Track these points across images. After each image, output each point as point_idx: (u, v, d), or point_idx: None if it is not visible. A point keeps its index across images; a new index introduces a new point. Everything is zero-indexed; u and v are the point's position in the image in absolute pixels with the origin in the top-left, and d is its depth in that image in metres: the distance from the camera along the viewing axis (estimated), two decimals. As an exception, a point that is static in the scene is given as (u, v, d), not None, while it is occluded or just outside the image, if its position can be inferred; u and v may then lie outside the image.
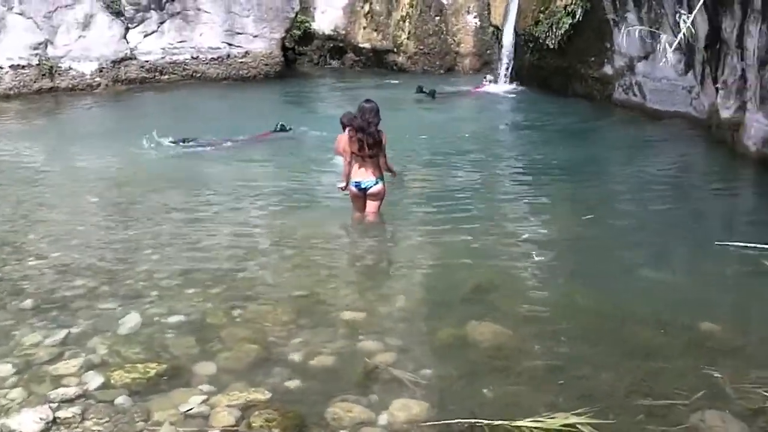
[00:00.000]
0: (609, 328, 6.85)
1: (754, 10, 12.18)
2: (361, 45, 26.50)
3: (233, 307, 7.11)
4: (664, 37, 8.62)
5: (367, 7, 26.19)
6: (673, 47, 8.33)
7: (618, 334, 6.71)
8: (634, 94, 18.02)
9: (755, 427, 5.17)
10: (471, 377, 5.91)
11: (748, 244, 8.55)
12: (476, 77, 23.76)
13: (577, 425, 5.06)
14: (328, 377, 5.92)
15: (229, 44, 22.92)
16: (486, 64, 25.33)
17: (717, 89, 14.04)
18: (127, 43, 22.22)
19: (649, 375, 5.90)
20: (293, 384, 5.76)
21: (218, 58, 22.94)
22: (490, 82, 22.13)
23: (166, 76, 22.61)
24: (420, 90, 20.63)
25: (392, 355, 6.22)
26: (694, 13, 9.28)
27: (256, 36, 22.94)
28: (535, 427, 5.04)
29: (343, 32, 26.53)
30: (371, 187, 9.73)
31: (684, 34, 8.48)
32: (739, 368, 5.98)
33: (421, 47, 25.73)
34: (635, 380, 5.83)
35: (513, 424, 5.02)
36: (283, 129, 15.63)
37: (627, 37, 16.11)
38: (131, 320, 6.79)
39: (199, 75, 22.86)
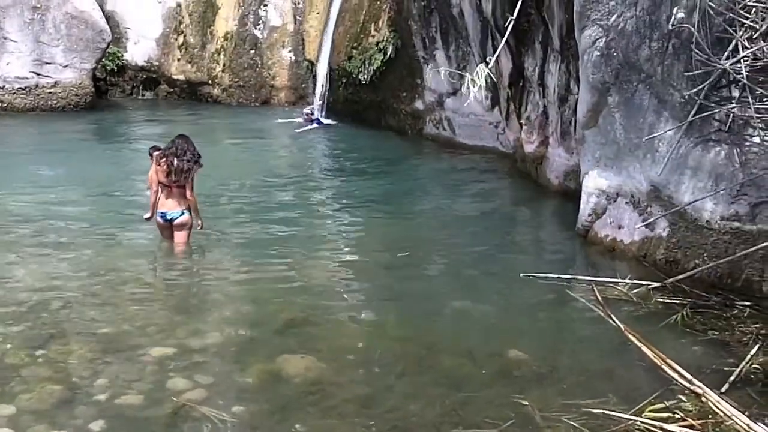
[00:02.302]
0: (420, 358, 6.93)
1: (553, 50, 12.80)
2: (175, 77, 26.02)
3: (35, 347, 6.76)
4: (467, 77, 8.83)
5: (181, 39, 25.79)
6: (476, 88, 8.54)
7: (429, 364, 6.81)
8: (444, 129, 18.55)
9: (561, 454, 5.33)
10: (283, 413, 5.84)
11: (551, 275, 8.88)
12: (291, 110, 23.84)
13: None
14: (135, 417, 5.72)
15: (38, 74, 21.95)
16: (302, 98, 25.43)
17: (521, 125, 14.61)
18: (-76, 71, 20.95)
19: (459, 404, 6.00)
20: (98, 425, 5.53)
21: (26, 88, 21.91)
22: (312, 113, 21.93)
23: (-30, 107, 21.47)
24: None
25: (202, 393, 6.08)
26: (494, 57, 9.59)
27: (65, 66, 22.09)
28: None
29: (157, 63, 25.96)
30: (177, 218, 9.54)
31: (488, 73, 8.73)
32: (547, 396, 6.16)
33: (236, 80, 25.56)
34: (446, 410, 5.91)
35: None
36: None
37: (436, 74, 16.60)
38: None
39: (5, 105, 21.74)
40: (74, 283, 8.66)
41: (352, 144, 19.14)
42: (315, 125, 21.45)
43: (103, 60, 23.70)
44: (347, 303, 8.47)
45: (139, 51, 25.85)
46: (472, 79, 8.60)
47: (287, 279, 9.04)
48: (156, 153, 11.86)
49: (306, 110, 22.12)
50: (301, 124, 21.56)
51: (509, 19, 9.11)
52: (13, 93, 21.81)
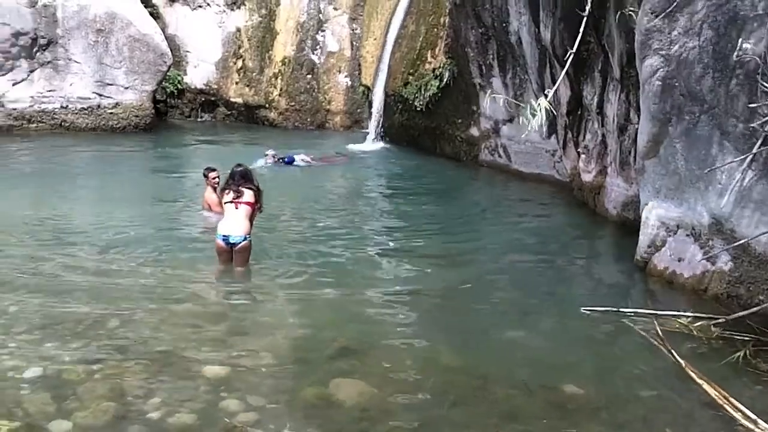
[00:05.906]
0: (474, 388, 6.84)
1: (613, 79, 12.66)
2: (233, 100, 26.42)
3: (92, 363, 6.86)
4: (528, 108, 8.76)
5: (240, 63, 26.18)
6: (535, 120, 8.47)
7: (482, 394, 6.72)
8: (500, 156, 18.46)
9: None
10: (334, 438, 5.79)
11: (610, 309, 8.72)
12: (348, 135, 24.03)
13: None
14: (187, 436, 5.73)
15: (100, 95, 22.52)
16: (357, 122, 25.63)
17: (579, 153, 14.47)
18: (-5, 90, 21.67)
19: (512, 436, 5.92)
20: (151, 443, 5.55)
21: (88, 108, 22.50)
22: (274, 156, 18.76)
23: (35, 125, 22.06)
24: None
25: (254, 415, 6.09)
26: (554, 88, 9.51)
27: (127, 87, 22.61)
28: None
29: (216, 87, 26.41)
30: (239, 243, 9.59)
31: (547, 105, 8.66)
32: (602, 431, 6.04)
33: (293, 104, 25.86)
34: (498, 442, 5.83)
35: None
36: None
37: (492, 101, 16.54)
38: (-17, 375, 6.43)
39: (68, 125, 22.36)
40: (131, 302, 8.74)
41: (407, 170, 19.15)
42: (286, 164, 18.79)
43: (164, 82, 24.24)
44: (401, 331, 8.41)
45: (198, 74, 26.35)
46: (531, 112, 8.51)
47: (341, 305, 9.05)
48: (211, 174, 12.07)
49: (269, 152, 19.00)
50: (266, 165, 18.41)
51: (569, 52, 9.03)
52: (76, 113, 22.46)
